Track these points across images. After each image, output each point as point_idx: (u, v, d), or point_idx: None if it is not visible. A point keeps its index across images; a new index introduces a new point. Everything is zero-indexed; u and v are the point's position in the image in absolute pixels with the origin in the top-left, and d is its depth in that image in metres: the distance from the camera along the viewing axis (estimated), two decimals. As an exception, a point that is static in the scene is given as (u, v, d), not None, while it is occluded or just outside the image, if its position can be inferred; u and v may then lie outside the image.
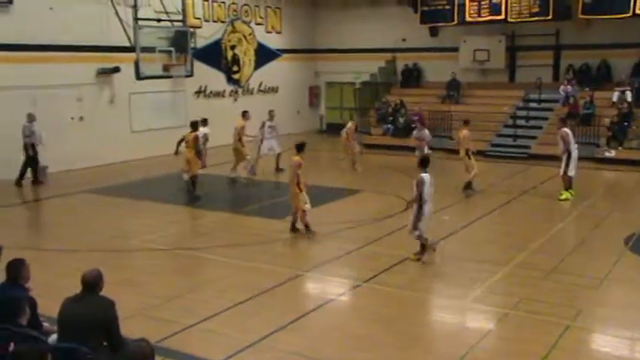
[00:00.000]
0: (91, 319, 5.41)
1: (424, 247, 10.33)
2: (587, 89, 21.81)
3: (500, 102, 23.05)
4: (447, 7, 23.62)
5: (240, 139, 16.84)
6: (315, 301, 8.94)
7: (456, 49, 24.44)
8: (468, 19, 23.23)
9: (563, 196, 14.42)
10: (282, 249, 11.39)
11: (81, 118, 18.88)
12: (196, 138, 14.84)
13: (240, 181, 16.98)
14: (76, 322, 5.39)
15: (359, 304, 8.90)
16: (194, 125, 15.13)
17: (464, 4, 23.17)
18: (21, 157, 16.60)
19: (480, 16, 22.99)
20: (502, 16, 22.58)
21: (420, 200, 10.07)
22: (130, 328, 6.18)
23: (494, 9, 22.62)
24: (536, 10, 21.89)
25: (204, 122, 16.52)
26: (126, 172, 18.24)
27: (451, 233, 12.01)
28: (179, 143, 15.05)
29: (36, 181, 16.65)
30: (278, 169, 17.89)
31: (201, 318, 8.04)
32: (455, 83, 24.19)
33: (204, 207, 14.55)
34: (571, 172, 14.38)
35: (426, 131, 18.07)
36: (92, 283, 5.62)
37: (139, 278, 9.74)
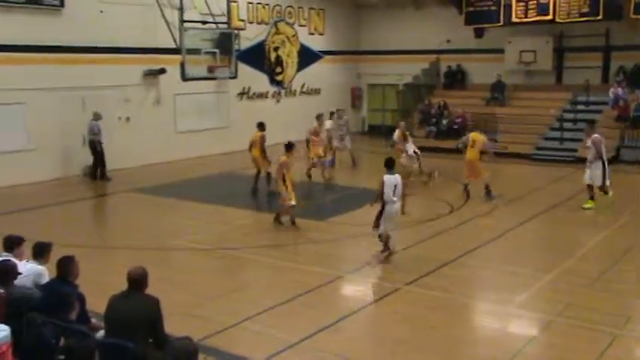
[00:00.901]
0: (137, 316, 5.51)
1: (386, 245, 10.51)
2: (637, 91, 21.21)
3: (546, 104, 22.61)
4: (493, 7, 23.31)
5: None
6: (357, 302, 8.92)
7: (501, 51, 24.08)
8: (514, 19, 22.88)
9: (588, 205, 13.80)
10: (324, 250, 11.39)
11: (127, 119, 19.27)
12: (262, 138, 15.49)
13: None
14: (123, 319, 5.50)
15: (401, 307, 8.83)
16: (261, 126, 15.65)
17: (510, 5, 22.83)
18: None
19: (526, 16, 22.62)
20: (550, 17, 22.16)
21: (382, 200, 10.25)
22: (173, 326, 6.27)
23: (542, 9, 22.21)
24: (585, 9, 21.42)
25: (262, 126, 16.40)
26: (170, 172, 18.52)
27: (495, 237, 11.83)
28: (251, 146, 15.70)
29: (102, 178, 17.34)
30: (354, 165, 19.25)
31: (243, 317, 8.10)
32: (500, 85, 23.84)
33: (247, 207, 14.69)
34: (606, 181, 13.72)
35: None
36: (138, 281, 5.72)
37: (182, 277, 9.88)
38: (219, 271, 10.54)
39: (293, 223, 12.54)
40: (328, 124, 19.06)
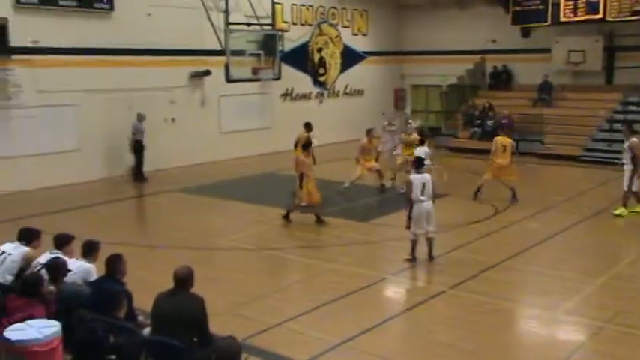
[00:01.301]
0: (183, 314, 5.60)
1: (413, 253, 10.37)
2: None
3: (595, 105, 22.05)
4: (541, 6, 22.86)
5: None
6: (399, 305, 8.87)
7: (548, 50, 23.59)
8: (562, 18, 22.39)
9: (618, 211, 13.26)
10: (367, 251, 11.36)
11: (173, 120, 19.58)
12: (309, 138, 15.29)
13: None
14: (169, 317, 5.59)
15: (444, 311, 8.74)
16: (307, 126, 15.68)
17: (558, 4, 22.35)
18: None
19: (575, 15, 22.12)
20: (600, 15, 21.61)
21: (411, 200, 10.17)
22: (217, 325, 6.33)
23: (592, 8, 21.68)
24: (637, 8, 20.82)
25: (308, 126, 16.39)
26: (214, 172, 18.74)
27: (541, 241, 11.61)
28: (295, 145, 15.54)
29: (139, 179, 17.57)
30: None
31: (285, 317, 8.15)
32: (547, 85, 23.37)
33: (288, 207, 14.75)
34: (634, 188, 13.14)
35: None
36: (184, 280, 5.81)
37: (226, 276, 9.98)
38: (263, 270, 10.62)
39: (319, 221, 12.72)
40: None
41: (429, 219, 10.23)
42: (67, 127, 16.90)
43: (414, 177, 10.24)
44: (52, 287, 6.29)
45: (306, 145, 13.05)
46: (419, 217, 10.18)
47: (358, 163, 15.98)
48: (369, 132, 16.21)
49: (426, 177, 10.29)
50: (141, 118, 17.55)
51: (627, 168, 13.25)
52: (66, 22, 16.76)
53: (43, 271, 6.54)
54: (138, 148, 17.56)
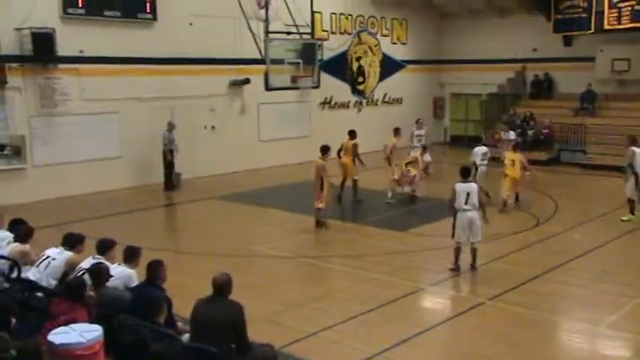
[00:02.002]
0: (222, 321, 5.63)
1: (456, 262, 10.35)
2: None
3: (640, 115, 21.55)
4: (584, 15, 22.46)
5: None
6: (438, 316, 8.77)
7: (591, 59, 23.14)
8: (606, 26, 21.94)
9: (626, 218, 13.58)
10: (404, 261, 11.26)
11: (213, 128, 19.80)
12: (355, 145, 15.62)
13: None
14: (208, 324, 5.63)
15: (483, 323, 8.61)
16: (352, 133, 15.79)
17: (602, 12, 21.92)
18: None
19: (620, 23, 21.65)
20: (645, 23, 21.15)
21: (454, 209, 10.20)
22: (255, 332, 6.35)
23: (637, 15, 21.17)
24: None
25: (353, 134, 16.34)
26: (253, 180, 18.86)
27: (583, 253, 11.36)
28: (339, 152, 15.75)
29: (168, 187, 17.56)
30: (427, 174, 18.22)
31: (322, 327, 8.13)
32: (590, 95, 22.91)
33: (325, 216, 14.76)
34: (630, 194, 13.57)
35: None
36: (223, 287, 5.84)
37: (264, 284, 10.01)
38: (300, 279, 10.64)
39: (318, 224, 13.20)
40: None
41: (472, 228, 10.12)
42: (110, 135, 17.27)
43: (459, 185, 10.19)
44: (91, 293, 6.39)
45: (324, 151, 13.40)
46: (462, 226, 10.10)
47: (390, 163, 16.15)
48: (397, 131, 16.71)
49: (472, 186, 10.23)
50: (171, 127, 17.53)
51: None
52: (110, 32, 17.13)
53: (86, 276, 6.66)
54: (168, 157, 17.50)
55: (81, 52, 16.53)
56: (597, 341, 8.01)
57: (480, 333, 8.26)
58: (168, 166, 17.66)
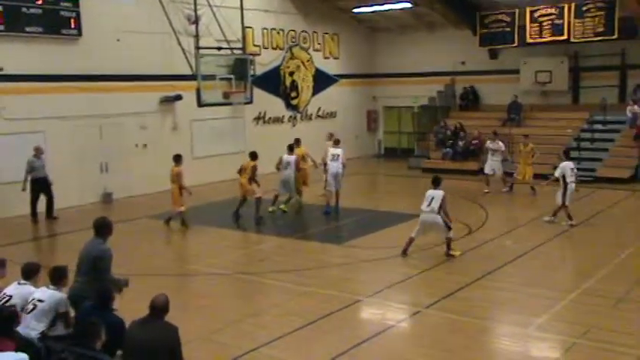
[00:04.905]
0: (157, 344, 5.50)
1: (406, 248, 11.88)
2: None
3: (563, 124, 22.48)
4: (508, 29, 23.33)
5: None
6: (376, 327, 8.82)
7: (516, 71, 24.06)
8: (529, 40, 22.86)
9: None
10: (340, 274, 11.30)
11: (144, 145, 19.43)
12: (254, 167, 15.40)
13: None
14: (142, 347, 5.49)
15: (420, 331, 8.73)
16: (253, 155, 15.54)
17: (524, 26, 22.83)
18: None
19: (541, 37, 22.59)
20: (565, 37, 22.11)
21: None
22: (191, 351, 6.24)
23: (557, 29, 22.19)
24: (600, 29, 21.34)
25: (254, 155, 16.01)
26: (187, 198, 18.51)
27: (514, 258, 11.69)
28: (239, 171, 15.62)
29: (50, 216, 15.97)
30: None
31: (261, 343, 8.05)
32: (516, 105, 23.76)
33: (262, 232, 14.69)
34: (567, 202, 14.30)
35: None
36: (161, 308, 5.74)
37: (200, 302, 9.85)
38: (237, 296, 10.51)
39: (183, 224, 14.75)
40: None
41: (432, 228, 11.73)
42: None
43: (429, 191, 11.65)
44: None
45: (177, 159, 14.76)
46: (420, 225, 11.72)
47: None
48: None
49: (436, 192, 11.56)
50: (39, 152, 15.65)
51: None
52: (33, 49, 16.60)
53: (15, 301, 6.42)
54: (39, 186, 15.69)
55: (0, 69, 15.94)
56: (527, 343, 8.22)
57: (417, 342, 8.37)
58: (45, 194, 15.84)
